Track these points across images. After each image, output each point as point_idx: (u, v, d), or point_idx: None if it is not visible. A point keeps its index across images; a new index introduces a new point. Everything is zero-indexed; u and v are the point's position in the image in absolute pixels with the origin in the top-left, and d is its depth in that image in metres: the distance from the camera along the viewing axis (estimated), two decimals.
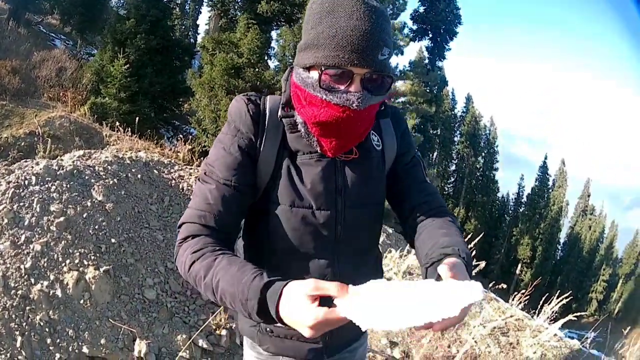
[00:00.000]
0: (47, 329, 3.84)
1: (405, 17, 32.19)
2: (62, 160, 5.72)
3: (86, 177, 5.19)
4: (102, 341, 3.91)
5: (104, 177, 5.30)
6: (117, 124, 12.24)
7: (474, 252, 5.65)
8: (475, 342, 4.19)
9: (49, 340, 3.79)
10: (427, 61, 26.02)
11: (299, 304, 1.00)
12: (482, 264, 5.38)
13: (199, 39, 28.70)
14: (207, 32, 22.83)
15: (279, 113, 1.41)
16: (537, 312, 5.18)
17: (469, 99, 39.56)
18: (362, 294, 0.98)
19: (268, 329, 1.59)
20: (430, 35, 27.89)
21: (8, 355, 3.64)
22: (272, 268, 1.29)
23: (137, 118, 12.00)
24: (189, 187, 5.93)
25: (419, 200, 1.53)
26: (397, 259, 5.63)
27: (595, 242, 44.34)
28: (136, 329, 4.04)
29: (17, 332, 3.77)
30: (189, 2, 26.37)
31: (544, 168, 42.26)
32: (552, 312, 5.06)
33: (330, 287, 0.99)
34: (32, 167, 5.31)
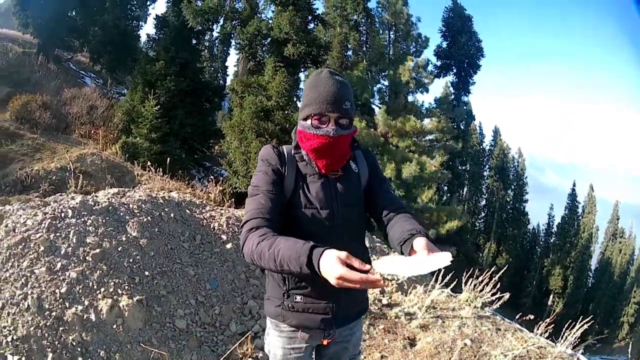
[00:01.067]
0: (79, 349, 4.07)
1: (428, 54, 32.50)
2: (96, 196, 6.07)
3: (121, 214, 5.56)
4: None
5: (138, 214, 5.67)
6: (149, 163, 12.56)
7: (498, 285, 6.10)
8: None
9: (80, 359, 4.04)
10: (452, 97, 25.96)
11: (333, 262, 1.61)
12: (506, 295, 5.86)
13: (228, 80, 29.34)
14: (236, 75, 23.41)
15: (292, 152, 2.30)
16: (561, 339, 5.35)
17: (496, 132, 39.61)
18: (382, 261, 1.65)
19: (290, 306, 2.31)
20: (455, 70, 28.66)
21: None
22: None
23: (168, 158, 12.22)
24: (220, 227, 6.26)
25: (386, 203, 2.35)
26: (422, 294, 6.04)
27: (625, 265, 43.12)
28: (166, 354, 4.33)
29: (49, 350, 4.00)
30: (217, 44, 26.99)
31: (572, 195, 41.84)
32: (575, 338, 5.22)
33: (355, 260, 1.62)
34: (68, 201, 5.66)
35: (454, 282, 6.27)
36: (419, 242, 1.88)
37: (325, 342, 2.44)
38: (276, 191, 2.18)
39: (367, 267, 1.61)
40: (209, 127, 19.59)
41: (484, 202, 39.20)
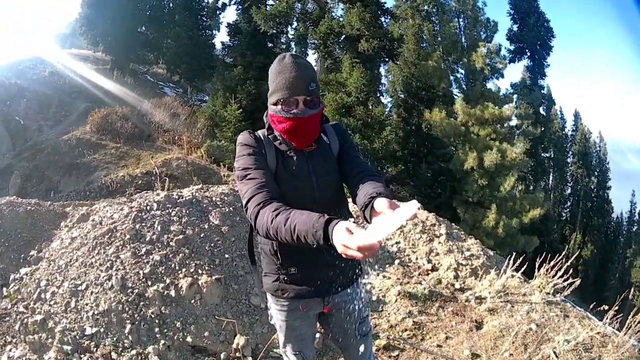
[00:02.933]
0: (156, 321, 4.36)
1: (500, 38, 31.51)
2: (181, 192, 6.39)
3: (204, 205, 5.84)
4: (206, 334, 4.40)
5: (220, 205, 5.92)
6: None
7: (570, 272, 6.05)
8: (557, 356, 4.53)
9: (156, 329, 4.32)
10: (528, 81, 25.77)
11: (341, 232, 1.68)
12: (577, 281, 5.69)
13: None
14: None
15: (266, 134, 2.43)
16: (625, 328, 5.13)
17: (577, 116, 37.93)
18: (371, 226, 1.76)
19: (286, 279, 2.51)
20: (528, 54, 27.64)
21: (114, 338, 4.22)
22: None
23: None
24: None
25: (353, 167, 2.48)
26: (495, 278, 6.09)
27: None
28: (239, 326, 4.53)
29: (128, 322, 4.31)
30: (293, 46, 27.54)
31: None
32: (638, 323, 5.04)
33: (356, 230, 1.66)
34: (153, 196, 5.99)
35: (531, 268, 6.24)
36: (380, 203, 1.91)
37: (325, 310, 2.68)
38: (265, 166, 2.33)
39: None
40: None
41: (569, 191, 37.75)
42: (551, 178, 34.70)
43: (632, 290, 31.95)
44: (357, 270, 2.70)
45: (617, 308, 5.50)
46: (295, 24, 20.73)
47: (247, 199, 2.19)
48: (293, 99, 2.29)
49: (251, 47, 20.25)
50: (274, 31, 20.68)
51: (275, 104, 2.35)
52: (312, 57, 29.11)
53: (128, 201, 6.23)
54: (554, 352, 4.51)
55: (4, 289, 5.13)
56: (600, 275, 32.87)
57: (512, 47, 27.37)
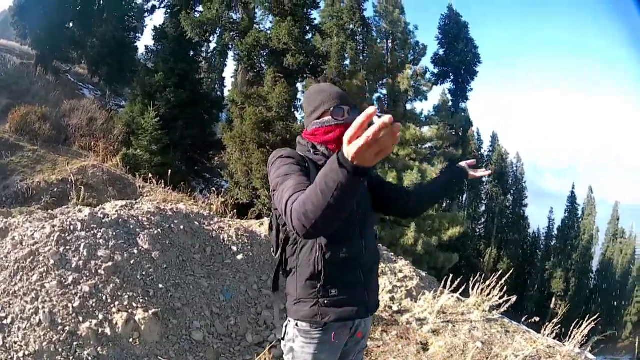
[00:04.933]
0: None
1: (426, 62, 32.44)
2: (104, 209, 6.05)
3: (131, 227, 5.53)
4: None
5: (148, 227, 5.65)
6: (150, 175, 12.66)
7: (505, 289, 6.30)
8: None
9: None
10: (450, 104, 26.27)
11: (344, 144, 1.50)
12: (513, 298, 6.02)
13: (226, 91, 29.50)
14: (235, 86, 23.50)
15: (312, 152, 2.43)
16: (568, 338, 5.49)
17: (494, 137, 39.73)
18: None
19: (327, 302, 2.37)
20: (452, 77, 28.74)
21: None
22: (327, 244, 2.31)
23: (169, 170, 12.26)
24: (230, 238, 6.26)
25: (401, 191, 2.72)
26: (431, 300, 6.13)
27: (627, 265, 43.12)
28: None
29: None
30: (215, 55, 27.09)
31: (572, 198, 42.03)
32: (582, 337, 5.36)
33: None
34: (76, 213, 5.63)
35: (462, 288, 6.43)
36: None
37: (359, 334, 2.58)
38: (306, 174, 2.19)
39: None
40: (208, 138, 19.77)
41: (483, 208, 39.29)
42: (465, 196, 35.77)
43: (554, 299, 33.76)
44: (378, 297, 2.69)
45: (538, 318, 6.04)
46: (220, 33, 20.28)
47: (286, 199, 1.99)
48: (341, 107, 2.40)
49: (175, 53, 19.67)
50: (199, 39, 20.15)
51: (321, 116, 2.43)
52: (232, 69, 28.84)
53: (48, 217, 5.75)
54: None
55: None
56: (519, 287, 34.16)
57: (436, 70, 28.26)
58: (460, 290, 6.49)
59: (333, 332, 2.45)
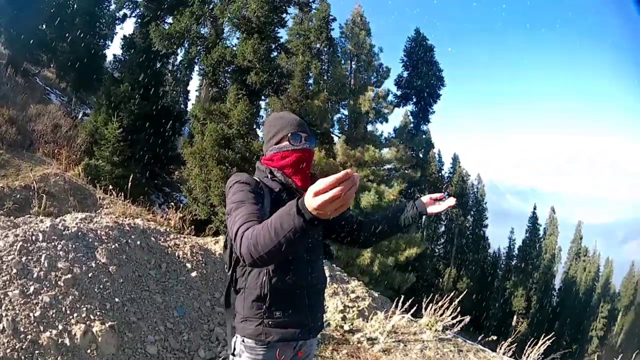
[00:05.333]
0: None
1: (389, 83, 32.62)
2: (64, 220, 6.14)
3: (90, 240, 5.66)
4: None
5: (106, 241, 5.79)
6: (110, 187, 12.71)
7: (459, 309, 6.49)
8: None
9: None
10: (412, 125, 26.79)
11: (309, 191, 1.58)
12: (467, 318, 6.23)
13: (190, 105, 29.67)
14: (198, 100, 23.48)
15: (265, 179, 2.59)
16: (523, 356, 5.71)
17: (455, 159, 40.20)
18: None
19: (271, 323, 2.53)
20: (415, 100, 28.99)
21: None
22: (276, 268, 2.48)
23: (130, 183, 12.29)
24: (184, 255, 6.45)
25: (351, 220, 2.86)
26: (383, 319, 6.27)
27: (591, 282, 43.71)
28: None
29: None
30: (180, 69, 26.89)
31: (533, 218, 43.02)
32: (539, 354, 5.58)
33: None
34: (37, 224, 5.78)
35: (415, 307, 6.57)
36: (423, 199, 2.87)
37: (300, 354, 2.73)
38: (261, 203, 2.35)
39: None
40: (169, 152, 19.77)
41: (442, 229, 39.79)
42: (424, 217, 35.94)
43: (515, 317, 34.08)
44: (324, 319, 2.87)
45: (496, 337, 6.26)
46: (187, 46, 20.39)
47: (237, 228, 2.14)
48: (298, 134, 2.58)
49: (141, 64, 19.56)
50: (166, 51, 20.23)
51: (280, 142, 2.61)
52: (197, 83, 28.74)
53: (12, 226, 5.86)
54: None
55: None
56: (479, 306, 34.80)
57: (399, 93, 28.73)
58: (414, 310, 6.59)
59: (277, 349, 2.61)
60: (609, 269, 47.22)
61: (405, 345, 5.75)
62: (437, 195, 2.88)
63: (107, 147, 16.67)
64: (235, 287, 2.66)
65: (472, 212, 40.21)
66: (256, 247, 1.94)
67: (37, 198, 10.34)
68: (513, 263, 43.37)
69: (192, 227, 11.31)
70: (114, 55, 24.60)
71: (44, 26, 24.94)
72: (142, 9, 24.01)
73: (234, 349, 2.69)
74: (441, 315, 6.39)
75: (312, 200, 1.61)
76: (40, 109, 18.26)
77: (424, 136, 28.95)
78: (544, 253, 42.49)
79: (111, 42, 27.95)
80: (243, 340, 2.62)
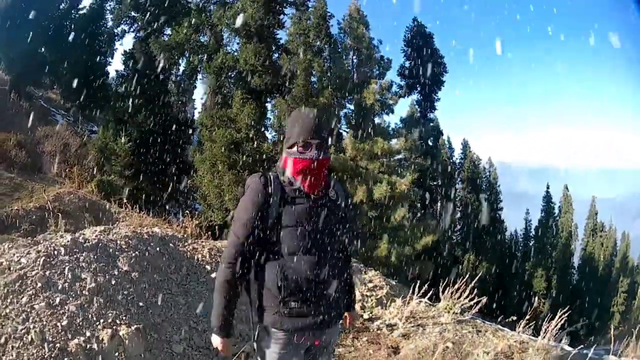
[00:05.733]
0: None
1: (392, 75, 32.46)
2: (84, 234, 6.23)
3: (110, 250, 5.77)
4: None
5: (126, 250, 5.89)
6: (124, 201, 12.87)
7: (475, 291, 6.51)
8: None
9: None
10: (418, 114, 26.70)
11: (214, 338, 2.45)
12: (484, 299, 6.29)
13: (196, 113, 29.33)
14: (204, 108, 23.62)
15: (280, 178, 2.71)
16: (543, 333, 5.63)
17: (465, 145, 40.18)
18: None
19: (286, 312, 2.70)
20: (419, 89, 29.11)
21: None
22: (287, 262, 2.64)
23: (143, 195, 12.45)
24: (203, 258, 6.63)
25: (348, 242, 2.99)
26: (401, 306, 6.41)
27: (609, 257, 43.16)
28: None
29: None
30: (184, 78, 27.09)
31: (547, 198, 42.75)
32: (556, 330, 5.53)
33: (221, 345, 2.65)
34: (58, 239, 5.85)
35: (433, 293, 6.73)
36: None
37: (317, 342, 2.86)
38: (256, 223, 2.62)
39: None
40: (180, 161, 19.93)
41: (458, 215, 39.18)
42: (439, 204, 35.75)
43: (536, 298, 33.80)
44: (341, 311, 2.98)
45: (515, 317, 6.17)
46: (188, 55, 20.58)
47: (230, 251, 2.68)
48: (309, 142, 2.61)
49: (145, 77, 19.88)
50: (168, 63, 20.42)
51: (292, 146, 2.67)
52: (201, 91, 28.89)
53: (32, 243, 5.87)
54: None
55: None
56: (500, 290, 34.24)
57: (402, 83, 28.58)
58: (433, 296, 6.74)
59: (295, 335, 2.77)
60: (625, 243, 46.16)
61: (424, 329, 5.85)
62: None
63: (118, 162, 16.99)
64: (255, 279, 2.82)
65: (486, 196, 39.88)
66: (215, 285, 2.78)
67: (52, 217, 10.15)
68: (531, 244, 42.88)
69: (209, 233, 11.34)
70: (117, 71, 24.58)
71: (43, 49, 25.23)
72: (140, 23, 24.25)
73: (256, 337, 2.89)
74: (459, 298, 6.43)
75: (214, 340, 2.81)
76: (48, 130, 18.47)
77: (431, 124, 28.88)
78: (560, 232, 41.98)
79: (112, 58, 28.19)
80: (265, 328, 2.81)
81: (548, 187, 43.46)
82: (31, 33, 23.10)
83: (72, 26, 26.84)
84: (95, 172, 17.15)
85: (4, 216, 12.07)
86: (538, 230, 42.49)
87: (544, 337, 5.47)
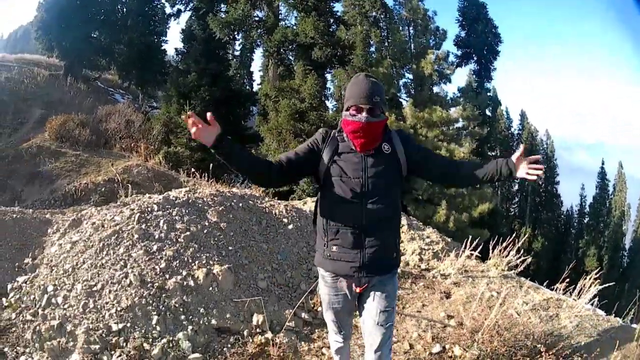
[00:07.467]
0: (181, 309, 4.77)
1: (448, 45, 32.23)
2: (171, 193, 6.84)
3: (199, 205, 6.35)
4: (228, 315, 4.89)
5: (212, 205, 6.42)
6: (192, 170, 12.68)
7: (522, 251, 7.10)
8: (518, 314, 5.29)
9: (182, 317, 4.72)
10: (475, 84, 26.90)
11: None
12: (529, 258, 6.92)
13: (255, 86, 30.65)
14: (266, 80, 24.00)
15: (336, 134, 3.02)
16: (577, 294, 6.09)
17: (523, 116, 39.75)
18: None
19: (328, 254, 3.01)
20: (475, 58, 28.86)
21: (143, 331, 4.53)
22: (331, 208, 2.99)
23: (211, 164, 12.89)
24: (280, 213, 7.07)
25: (444, 161, 3.25)
26: (454, 259, 7.08)
27: None
28: (254, 306, 5.11)
29: (154, 313, 4.66)
30: (244, 52, 27.64)
31: (602, 174, 41.65)
32: (589, 291, 5.96)
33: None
34: (150, 197, 6.54)
35: (482, 254, 7.29)
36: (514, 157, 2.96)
37: (358, 290, 3.09)
38: (305, 156, 2.99)
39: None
40: (244, 131, 20.83)
41: (516, 187, 39.13)
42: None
43: (588, 277, 32.96)
44: (392, 262, 3.16)
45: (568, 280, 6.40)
46: (247, 30, 21.27)
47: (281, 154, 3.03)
48: (359, 106, 2.85)
49: (205, 53, 20.67)
50: (227, 38, 21.22)
51: (347, 109, 2.95)
52: (258, 63, 29.25)
53: (123, 204, 6.71)
54: (516, 312, 5.36)
55: (4, 299, 5.15)
56: (554, 266, 33.55)
57: (459, 53, 28.58)
58: (480, 255, 7.28)
59: (340, 280, 3.11)
60: None
61: (474, 280, 6.52)
62: (519, 153, 2.98)
63: (183, 134, 17.90)
64: (313, 223, 3.27)
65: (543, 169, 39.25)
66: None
67: (122, 188, 10.38)
68: (585, 221, 41.80)
69: (276, 198, 11.97)
70: (176, 48, 25.69)
71: (96, 33, 26.50)
72: (195, 2, 25.13)
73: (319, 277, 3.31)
74: (506, 256, 7.02)
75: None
76: (109, 109, 19.17)
77: (488, 94, 28.91)
78: (614, 210, 40.68)
79: (166, 37, 29.11)
80: (319, 269, 3.22)
81: (603, 163, 42.37)
82: (82, 19, 24.47)
83: (124, 9, 27.85)
84: (160, 145, 18.15)
85: (73, 190, 12.74)
86: (592, 207, 41.42)
87: (579, 296, 6.02)
